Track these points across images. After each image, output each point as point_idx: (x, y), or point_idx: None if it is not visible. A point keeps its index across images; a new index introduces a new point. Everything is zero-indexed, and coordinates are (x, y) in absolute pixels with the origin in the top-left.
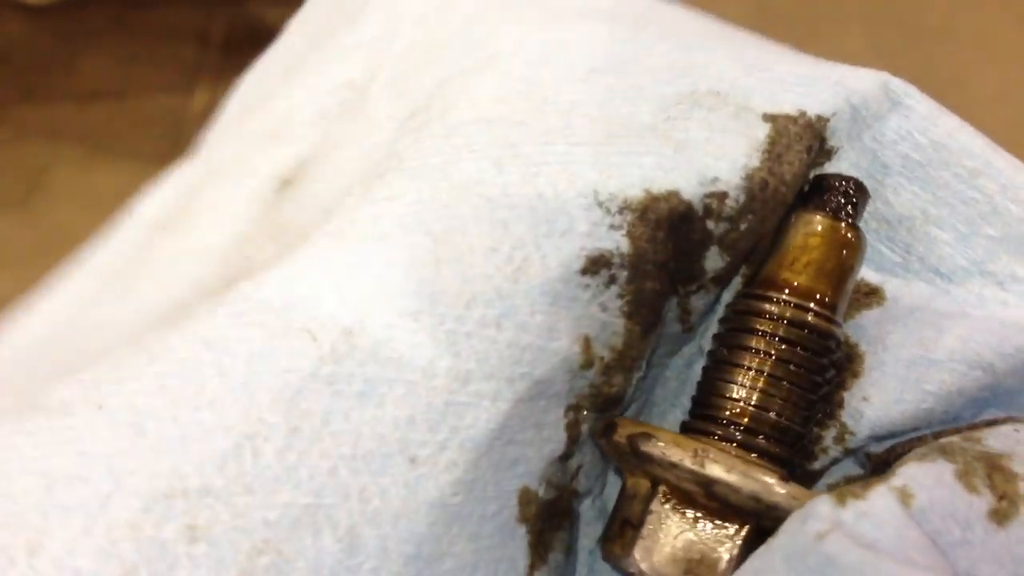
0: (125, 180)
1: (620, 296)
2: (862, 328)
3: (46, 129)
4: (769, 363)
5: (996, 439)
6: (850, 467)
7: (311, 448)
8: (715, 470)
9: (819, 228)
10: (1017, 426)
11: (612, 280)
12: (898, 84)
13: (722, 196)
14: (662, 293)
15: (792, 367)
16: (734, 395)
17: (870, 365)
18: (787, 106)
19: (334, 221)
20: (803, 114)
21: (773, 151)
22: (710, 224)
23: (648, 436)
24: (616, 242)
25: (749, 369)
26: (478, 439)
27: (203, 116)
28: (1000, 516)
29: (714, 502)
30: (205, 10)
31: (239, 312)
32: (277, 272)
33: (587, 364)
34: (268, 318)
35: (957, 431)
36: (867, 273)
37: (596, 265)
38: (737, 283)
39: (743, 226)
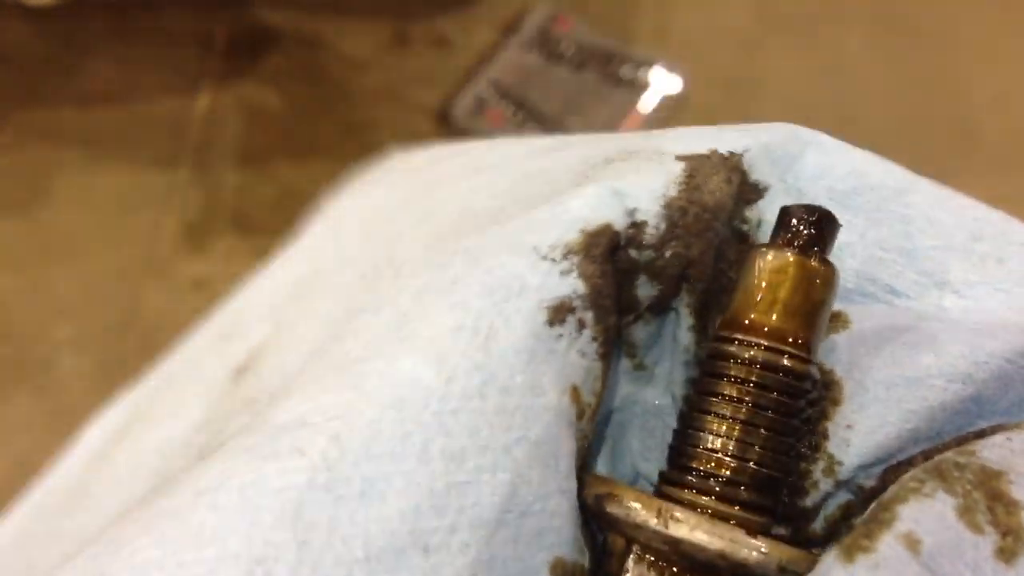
0: (128, 183)
1: (594, 339)
2: (834, 353)
3: (48, 132)
4: (744, 410)
5: (990, 450)
6: (844, 495)
7: (323, 557)
8: (680, 530)
9: (783, 264)
10: (1009, 434)
11: (582, 325)
12: (805, 129)
13: (642, 225)
14: (618, 326)
15: (769, 413)
16: (710, 445)
17: (849, 391)
18: (699, 149)
19: (307, 372)
20: (715, 152)
21: (691, 183)
22: (633, 253)
23: (613, 496)
24: (571, 286)
25: (724, 417)
26: (486, 516)
27: (206, 120)
28: (1007, 554)
29: (686, 560)
30: (208, 14)
31: (224, 459)
32: (255, 431)
33: (580, 415)
34: (253, 453)
35: (948, 446)
36: None
37: (560, 313)
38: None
39: (667, 253)
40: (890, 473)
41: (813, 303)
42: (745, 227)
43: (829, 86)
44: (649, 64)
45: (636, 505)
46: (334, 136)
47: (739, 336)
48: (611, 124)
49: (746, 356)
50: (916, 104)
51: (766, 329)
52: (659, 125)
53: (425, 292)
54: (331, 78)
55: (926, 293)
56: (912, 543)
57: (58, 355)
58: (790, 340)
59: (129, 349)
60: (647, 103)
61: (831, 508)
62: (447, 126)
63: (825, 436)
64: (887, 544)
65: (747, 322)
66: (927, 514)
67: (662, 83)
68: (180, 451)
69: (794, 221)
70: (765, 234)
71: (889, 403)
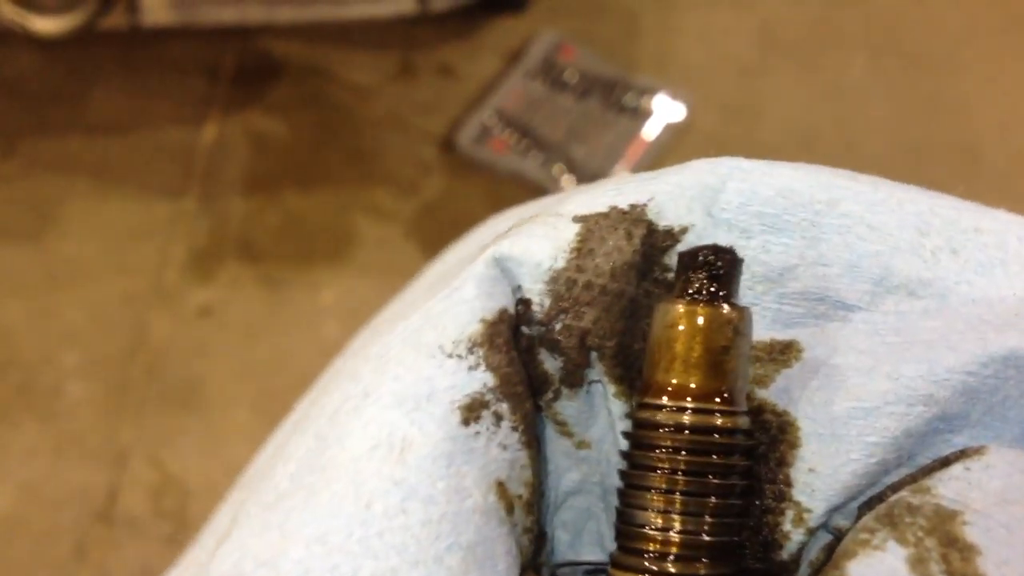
0: (136, 212)
1: (514, 429)
2: (786, 391)
3: (58, 161)
4: (681, 481)
5: (947, 486)
6: (824, 536)
7: None
8: None
9: (673, 317)
10: (968, 463)
11: (499, 417)
12: (722, 160)
13: (527, 303)
14: (537, 408)
15: (709, 478)
16: (655, 523)
17: (806, 431)
18: (598, 207)
19: (248, 502)
20: (614, 208)
21: (583, 248)
22: (525, 329)
23: None
24: (481, 380)
25: (662, 491)
26: None
27: (213, 149)
28: None
29: None
30: (215, 44)
31: None
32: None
33: (510, 508)
34: None
35: (911, 479)
36: (774, 332)
37: (473, 410)
38: None
39: (558, 326)
40: (864, 510)
41: (716, 351)
42: (669, 275)
43: (831, 111)
44: (652, 92)
45: None
46: (340, 164)
47: (653, 401)
48: (614, 151)
49: (668, 422)
50: (918, 129)
51: (674, 385)
52: (663, 152)
53: (340, 411)
54: (337, 107)
55: (880, 301)
56: None
57: (65, 381)
58: (701, 395)
59: (136, 375)
60: (650, 130)
61: (813, 552)
62: (452, 154)
63: (788, 483)
64: None
65: (658, 384)
66: (877, 570)
67: (665, 110)
68: None
69: (684, 267)
70: None
71: (850, 439)
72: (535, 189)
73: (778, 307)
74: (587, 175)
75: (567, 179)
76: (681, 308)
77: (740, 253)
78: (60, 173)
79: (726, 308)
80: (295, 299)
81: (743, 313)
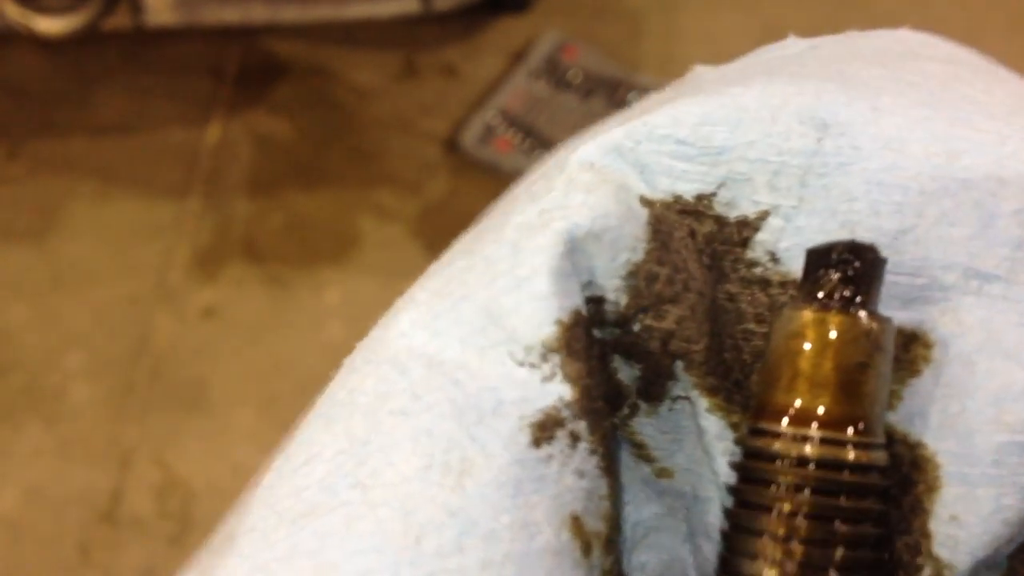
0: (140, 213)
1: (593, 452)
2: (921, 415)
3: (61, 162)
4: (801, 527)
5: None
6: None
7: None
8: None
9: (803, 325)
10: None
11: (575, 438)
12: (806, 107)
13: (599, 301)
14: (614, 427)
15: (830, 524)
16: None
17: (947, 470)
18: (660, 193)
19: (255, 511)
20: (679, 198)
21: (658, 238)
22: (597, 333)
23: None
24: (557, 393)
25: (775, 537)
26: None
27: (216, 149)
28: None
29: None
30: (218, 45)
31: None
32: None
33: (587, 549)
34: None
35: None
36: (893, 312)
37: (546, 429)
38: None
39: (636, 327)
40: (1015, 561)
41: (850, 369)
42: (757, 270)
43: None
44: (655, 91)
45: None
46: (344, 164)
47: (770, 426)
48: None
49: (788, 453)
50: None
51: (795, 413)
52: None
53: (381, 410)
54: (340, 107)
55: (1021, 268)
56: None
57: (69, 383)
58: (830, 422)
59: (140, 377)
60: None
61: None
62: (456, 154)
63: (925, 534)
64: None
65: (776, 406)
66: None
67: None
68: None
69: (816, 267)
70: (793, 259)
71: (1002, 481)
72: None
73: (894, 279)
74: None
75: None
76: (808, 315)
77: (845, 217)
78: (64, 174)
79: (864, 317)
80: (299, 300)
81: (885, 325)
